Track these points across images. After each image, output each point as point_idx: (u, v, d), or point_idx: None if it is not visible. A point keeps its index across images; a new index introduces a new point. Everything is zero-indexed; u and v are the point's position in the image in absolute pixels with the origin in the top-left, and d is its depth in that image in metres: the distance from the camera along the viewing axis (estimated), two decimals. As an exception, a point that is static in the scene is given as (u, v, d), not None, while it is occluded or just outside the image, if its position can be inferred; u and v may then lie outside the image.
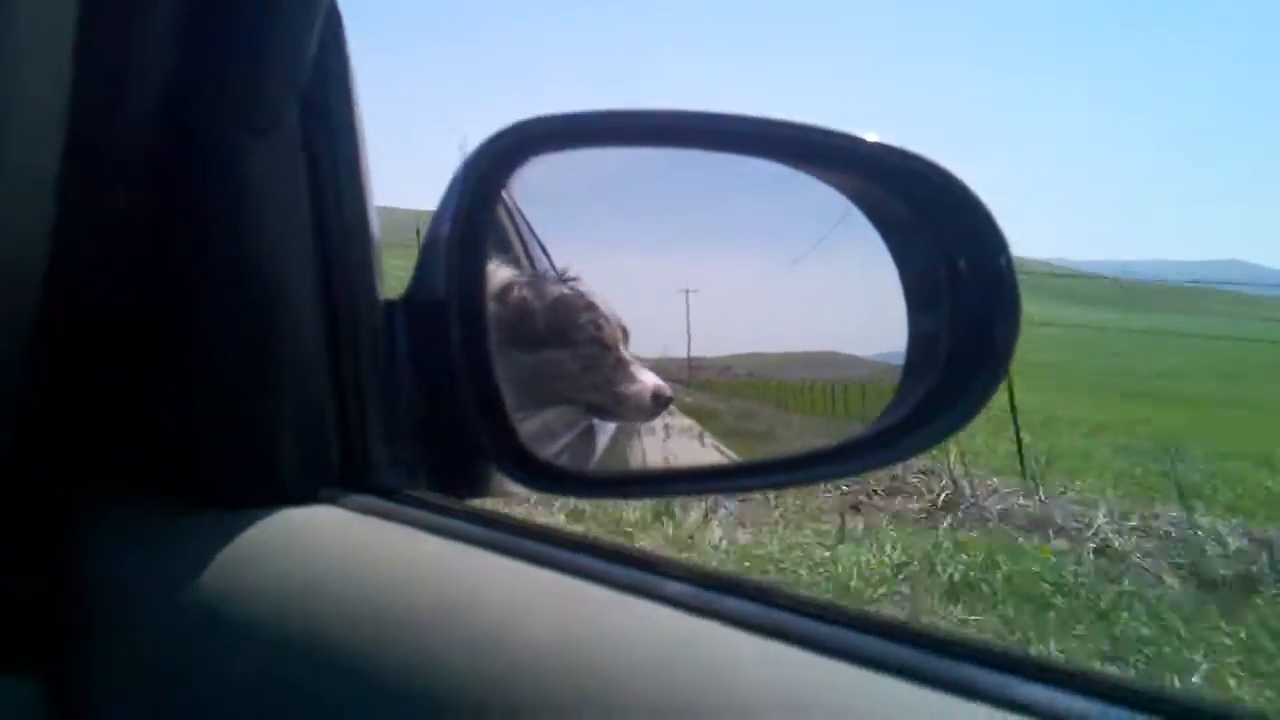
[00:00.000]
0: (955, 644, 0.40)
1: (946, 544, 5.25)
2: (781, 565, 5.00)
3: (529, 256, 0.82)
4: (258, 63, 0.59)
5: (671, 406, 0.80)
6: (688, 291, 0.78)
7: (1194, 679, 3.73)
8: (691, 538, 5.28)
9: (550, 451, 0.75)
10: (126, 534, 0.64)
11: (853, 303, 0.88)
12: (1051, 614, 4.41)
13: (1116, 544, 5.37)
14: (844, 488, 6.17)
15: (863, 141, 0.72)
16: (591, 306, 0.79)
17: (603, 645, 0.44)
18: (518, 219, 0.82)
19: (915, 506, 6.18)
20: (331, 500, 0.62)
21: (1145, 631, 4.21)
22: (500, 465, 0.68)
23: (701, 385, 0.82)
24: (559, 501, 4.77)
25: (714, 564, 4.79)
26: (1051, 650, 3.98)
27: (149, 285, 0.63)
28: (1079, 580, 4.77)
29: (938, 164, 0.71)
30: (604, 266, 0.81)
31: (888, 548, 5.15)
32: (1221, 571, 4.96)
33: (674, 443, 0.83)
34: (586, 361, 0.79)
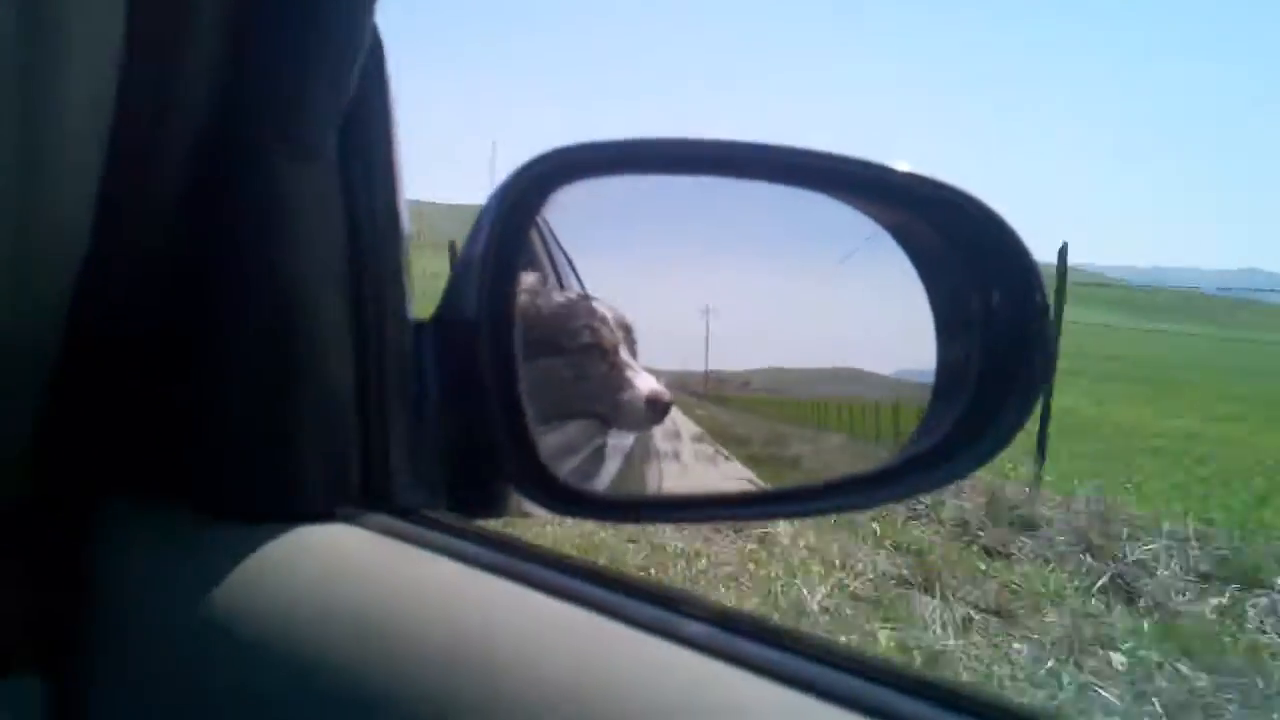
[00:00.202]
0: (984, 705, 0.39)
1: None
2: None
3: (558, 275, 0.81)
4: (302, 83, 0.60)
5: (698, 429, 0.79)
6: (707, 309, 0.77)
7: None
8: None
9: (567, 468, 0.74)
10: (143, 539, 0.64)
11: (875, 320, 0.87)
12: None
13: None
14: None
15: (894, 171, 0.71)
16: (590, 311, 0.77)
17: (617, 690, 0.43)
18: (549, 240, 0.81)
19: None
20: (349, 519, 0.62)
21: None
22: (521, 486, 0.68)
23: (719, 399, 0.82)
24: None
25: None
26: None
27: (181, 294, 0.63)
28: None
29: (971, 194, 0.70)
30: (634, 283, 0.80)
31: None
32: None
33: (694, 465, 0.82)
34: (578, 370, 0.77)
